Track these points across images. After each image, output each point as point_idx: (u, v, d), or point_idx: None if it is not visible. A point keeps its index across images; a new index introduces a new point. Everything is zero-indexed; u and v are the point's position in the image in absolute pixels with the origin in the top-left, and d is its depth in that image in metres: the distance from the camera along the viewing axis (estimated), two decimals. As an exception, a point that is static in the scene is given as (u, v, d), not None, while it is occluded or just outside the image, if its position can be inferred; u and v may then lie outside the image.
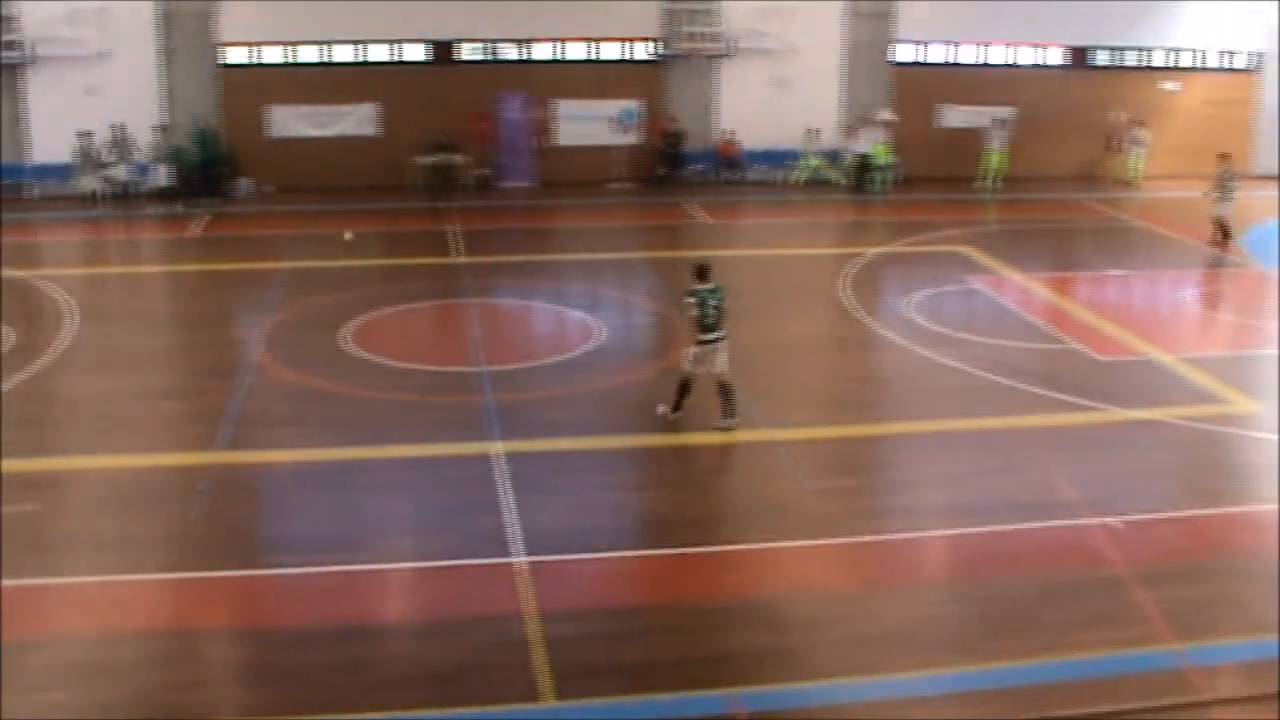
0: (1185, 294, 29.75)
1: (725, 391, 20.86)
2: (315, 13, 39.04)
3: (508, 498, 18.12)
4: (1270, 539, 17.51)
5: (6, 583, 15.44)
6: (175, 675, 13.71)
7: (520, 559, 16.34)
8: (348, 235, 21.14)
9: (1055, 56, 45.23)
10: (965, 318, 28.49)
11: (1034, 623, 15.19)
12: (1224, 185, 34.02)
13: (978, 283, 30.77)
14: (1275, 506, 18.52)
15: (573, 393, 22.66)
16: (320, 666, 13.96)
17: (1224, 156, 34.44)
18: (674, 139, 41.65)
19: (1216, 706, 12.89)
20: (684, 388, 20.98)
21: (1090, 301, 29.78)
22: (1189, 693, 13.18)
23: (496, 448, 19.81)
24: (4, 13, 37.90)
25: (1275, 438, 21.02)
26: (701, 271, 20.94)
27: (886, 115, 42.50)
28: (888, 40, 43.49)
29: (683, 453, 20.48)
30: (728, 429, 20.70)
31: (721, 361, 20.88)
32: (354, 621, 14.99)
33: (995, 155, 42.98)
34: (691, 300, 20.71)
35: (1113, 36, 44.98)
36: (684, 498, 18.73)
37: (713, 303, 20.69)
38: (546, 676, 13.69)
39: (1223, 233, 33.90)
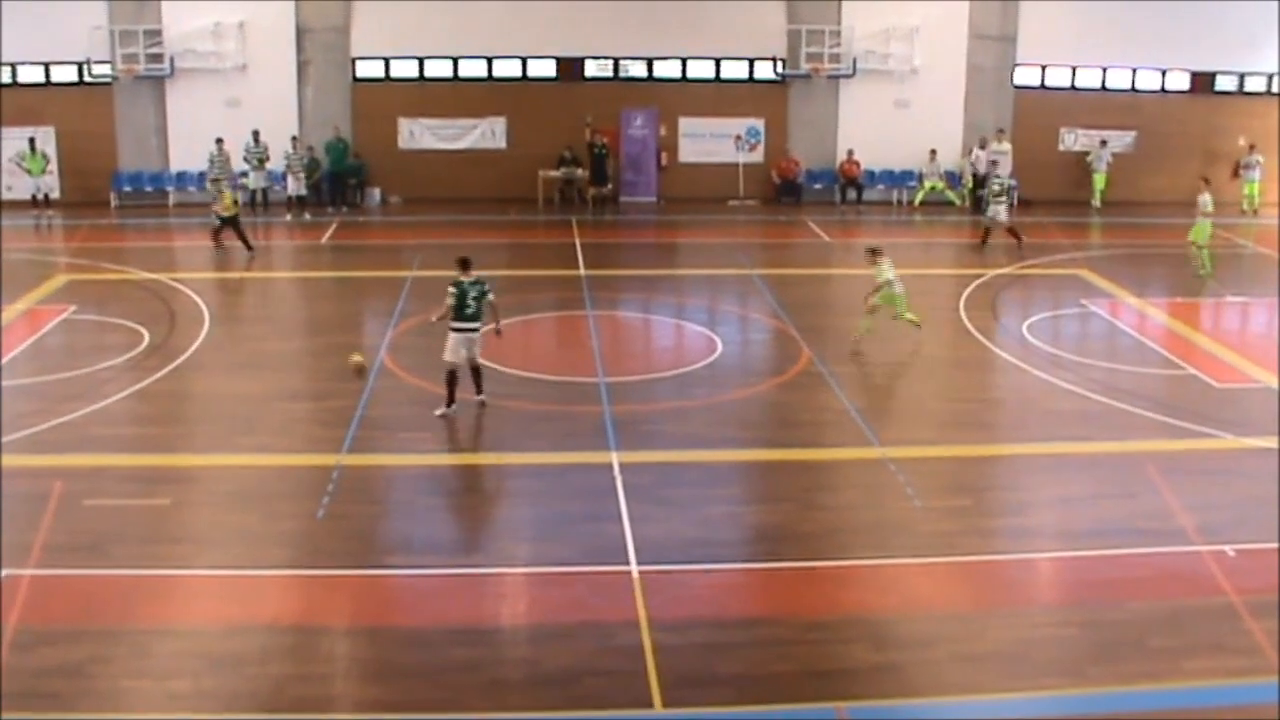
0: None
1: (476, 372, 22.05)
2: (445, 28, 39.81)
3: (623, 507, 18.47)
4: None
5: (139, 572, 16.12)
6: (296, 669, 14.15)
7: (634, 568, 16.67)
8: (356, 358, 21.14)
9: (1177, 81, 44.89)
10: (1082, 341, 28.48)
11: (1142, 648, 15.23)
12: None
13: (1095, 306, 30.71)
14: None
15: (689, 406, 22.95)
16: (436, 666, 14.32)
17: None
18: (792, 179, 41.94)
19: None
20: (450, 380, 21.83)
21: (1207, 327, 29.64)
22: (1296, 723, 13.22)
23: (614, 458, 20.18)
24: (149, 27, 39.00)
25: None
26: (464, 263, 22.00)
27: (1002, 145, 42.43)
28: (1009, 63, 43.40)
29: (796, 468, 20.66)
30: (482, 403, 22.10)
31: (474, 351, 21.86)
32: (470, 623, 15.37)
33: (1100, 175, 42.79)
34: (451, 290, 21.52)
35: (1235, 61, 44.55)
36: (796, 512, 18.88)
37: (472, 294, 21.57)
38: (656, 684, 13.96)
39: None
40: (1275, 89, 45.28)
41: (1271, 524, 18.74)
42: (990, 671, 14.62)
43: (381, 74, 40.88)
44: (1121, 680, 14.46)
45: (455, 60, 41.03)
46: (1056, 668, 14.77)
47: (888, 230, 39.71)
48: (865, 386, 24.19)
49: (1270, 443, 21.94)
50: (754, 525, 18.68)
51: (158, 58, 39.46)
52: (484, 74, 41.28)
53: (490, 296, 21.95)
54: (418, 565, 16.78)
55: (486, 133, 40.95)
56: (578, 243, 35.58)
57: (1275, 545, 17.97)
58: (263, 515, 18.08)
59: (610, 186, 41.29)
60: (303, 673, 14.09)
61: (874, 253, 26.97)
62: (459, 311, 21.56)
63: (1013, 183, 42.08)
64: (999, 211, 36.60)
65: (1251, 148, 43.72)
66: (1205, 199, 33.78)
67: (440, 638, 14.97)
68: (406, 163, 40.76)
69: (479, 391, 22.13)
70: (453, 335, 21.62)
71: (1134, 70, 44.52)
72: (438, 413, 21.81)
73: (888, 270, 26.48)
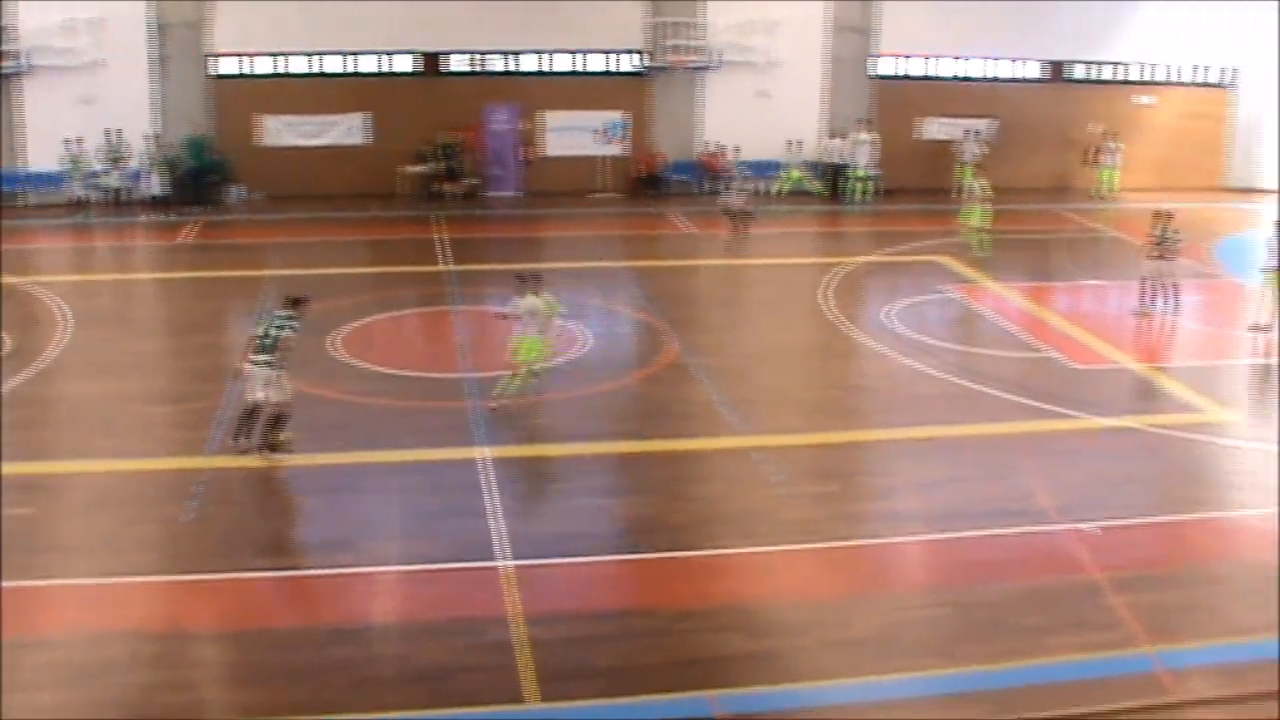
0: (1158, 304, 30.11)
1: (248, 415, 19.81)
2: (305, 24, 39.35)
3: (494, 502, 18.37)
4: (1241, 545, 17.88)
5: (4, 584, 15.68)
6: (166, 675, 13.89)
7: (505, 562, 16.58)
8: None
9: (1033, 70, 45.64)
10: (944, 326, 28.84)
11: (1009, 627, 15.45)
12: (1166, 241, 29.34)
13: (956, 292, 31.12)
14: (1247, 513, 18.92)
15: (556, 399, 22.91)
16: (307, 667, 14.15)
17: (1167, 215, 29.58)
18: (655, 173, 42.12)
19: (1187, 708, 13.15)
20: (250, 414, 19.90)
21: (1066, 311, 30.16)
22: (1160, 695, 13.43)
23: (483, 453, 20.08)
24: (1, 23, 38.14)
25: (1246, 445, 21.41)
26: (289, 301, 20.16)
27: (865, 134, 42.89)
28: (869, 54, 43.82)
29: (664, 459, 20.73)
30: (239, 450, 19.75)
31: (259, 387, 19.60)
32: (342, 623, 15.21)
33: (967, 169, 43.37)
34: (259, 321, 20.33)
35: (1089, 51, 45.43)
36: (665, 503, 18.92)
37: (273, 331, 19.62)
38: (531, 678, 13.89)
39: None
40: (1127, 77, 46.17)
41: (1131, 501, 19.12)
42: (861, 655, 14.75)
43: (241, 70, 40.33)
44: (989, 659, 14.64)
45: (315, 56, 40.61)
46: (926, 649, 14.93)
47: (751, 221, 39.85)
48: (730, 377, 24.28)
49: (1129, 422, 22.37)
50: (623, 517, 18.68)
51: (8, 54, 38.54)
52: (345, 69, 40.90)
53: (285, 334, 19.71)
54: (286, 566, 16.62)
55: (348, 129, 40.53)
56: (442, 238, 35.36)
57: (1135, 522, 18.34)
58: (126, 521, 17.75)
59: (468, 182, 41.01)
60: (171, 679, 13.84)
61: (525, 280, 22.30)
62: (259, 344, 19.66)
63: (876, 172, 42.51)
64: (733, 199, 36.91)
65: (1109, 135, 44.49)
66: (976, 184, 34.91)
67: (311, 638, 14.80)
68: (268, 159, 40.21)
69: (240, 437, 19.89)
70: (246, 365, 19.85)
71: (991, 60, 45.15)
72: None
73: (536, 307, 21.95)
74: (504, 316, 22.04)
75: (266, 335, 19.56)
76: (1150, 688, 13.73)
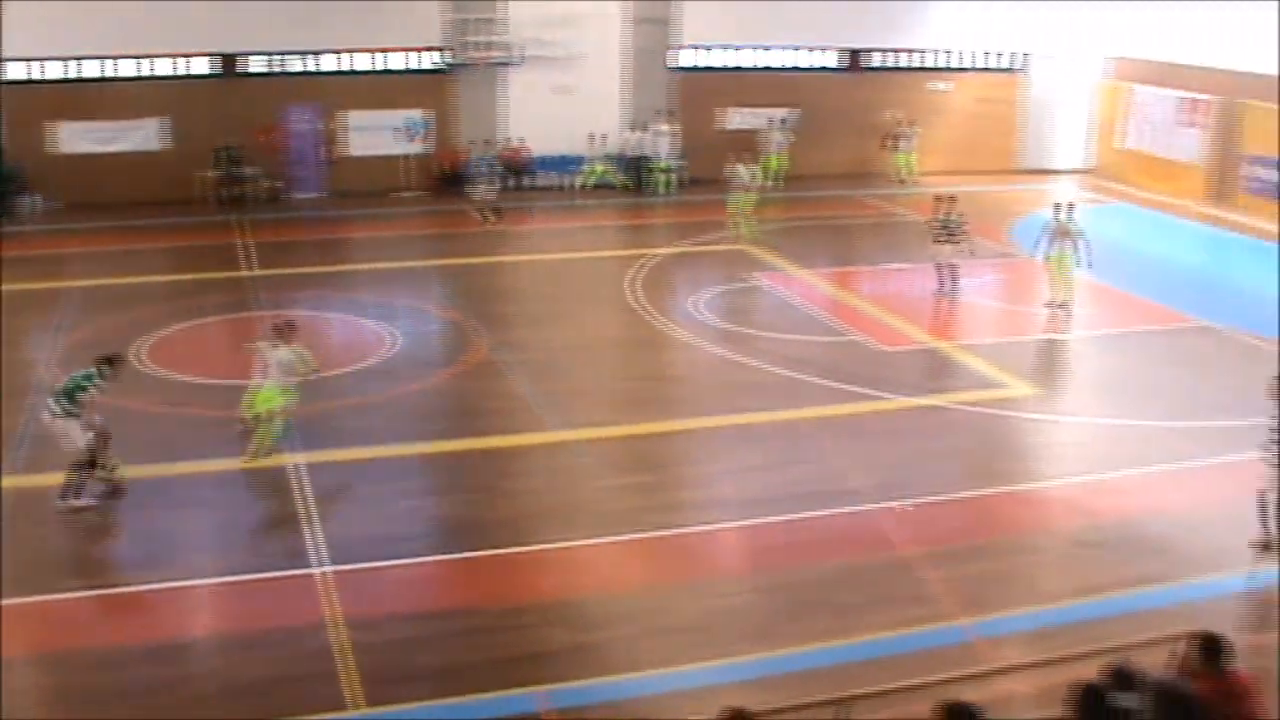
0: (960, 284, 30.78)
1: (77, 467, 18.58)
2: (97, 27, 38.29)
3: (309, 508, 18.20)
4: (1046, 514, 18.39)
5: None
6: (-19, 702, 13.51)
7: (324, 569, 16.43)
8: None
9: (832, 59, 46.30)
10: (752, 314, 29.16)
11: (828, 607, 15.73)
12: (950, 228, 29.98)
13: (762, 279, 31.46)
14: (1051, 484, 19.47)
15: (368, 402, 22.71)
16: (125, 687, 13.88)
17: (948, 200, 30.22)
18: (459, 169, 41.95)
19: (1004, 675, 13.46)
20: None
21: (871, 294, 30.67)
22: (977, 664, 13.71)
23: (296, 459, 19.83)
24: None
25: (1050, 419, 22.01)
26: (102, 360, 19.09)
27: (666, 126, 43.15)
28: (669, 45, 44.07)
29: (480, 457, 20.66)
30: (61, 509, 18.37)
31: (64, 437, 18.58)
32: (158, 640, 14.92)
33: (773, 157, 43.88)
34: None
35: (886, 39, 46.23)
36: (483, 501, 18.90)
37: (71, 385, 18.57)
38: (356, 684, 13.81)
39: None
40: (923, 64, 47.10)
41: (940, 477, 19.54)
42: (684, 643, 14.89)
43: (31, 75, 39.16)
44: (810, 639, 14.92)
45: (110, 59, 39.63)
46: (747, 633, 15.14)
47: (557, 215, 39.92)
48: (542, 371, 24.30)
49: (935, 400, 22.85)
50: (442, 517, 18.62)
51: None
52: (140, 73, 39.99)
53: (86, 395, 18.49)
54: (99, 585, 16.23)
55: (145, 134, 39.57)
56: (245, 242, 34.79)
57: (945, 497, 18.76)
58: (-73, 544, 17.19)
59: (270, 184, 40.31)
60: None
61: (280, 330, 20.93)
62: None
63: (678, 163, 42.76)
64: (478, 190, 37.15)
65: (906, 121, 45.35)
66: (740, 170, 35.43)
67: (128, 658, 14.50)
68: (62, 167, 39.01)
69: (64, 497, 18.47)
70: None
71: (791, 50, 45.66)
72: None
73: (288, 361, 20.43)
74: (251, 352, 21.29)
75: (68, 388, 18.38)
76: (966, 658, 14.04)
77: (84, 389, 18.51)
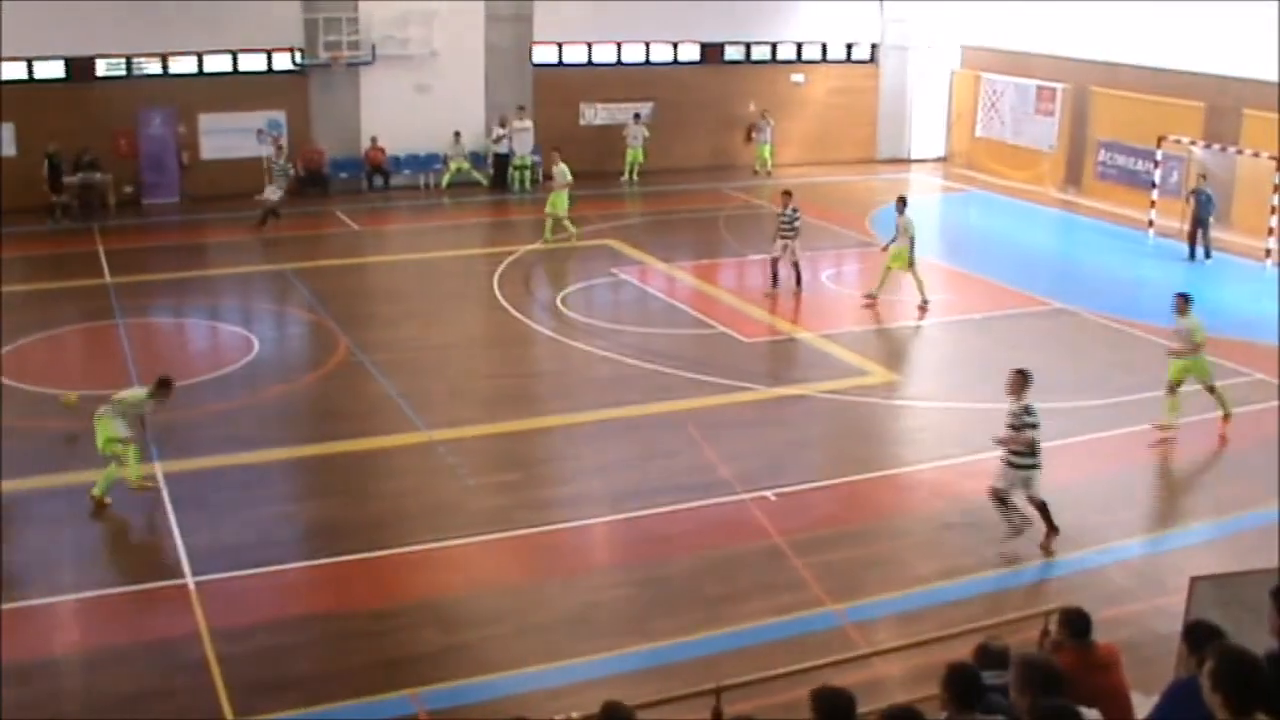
0: (820, 274, 31.01)
1: None
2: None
3: (170, 519, 17.89)
4: (913, 498, 18.61)
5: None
6: None
7: (189, 580, 16.18)
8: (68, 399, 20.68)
9: (689, 53, 46.46)
10: (615, 309, 29.21)
11: (699, 598, 15.81)
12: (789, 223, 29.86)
13: (625, 274, 31.53)
14: (917, 468, 19.72)
15: (230, 408, 22.39)
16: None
17: (786, 194, 30.33)
18: (317, 170, 41.54)
19: (877, 658, 13.59)
20: None
21: (733, 286, 30.84)
22: (850, 648, 13.86)
23: (155, 468, 19.47)
24: None
25: (912, 404, 22.28)
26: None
27: (524, 122, 43.05)
28: (527, 42, 43.99)
29: (346, 459, 20.47)
30: None
31: None
32: (20, 661, 14.47)
33: (635, 150, 43.98)
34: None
35: (742, 32, 46.49)
36: (348, 504, 18.72)
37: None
38: (225, 696, 13.62)
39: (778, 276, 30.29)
40: (780, 57, 47.44)
41: (807, 466, 19.70)
42: (557, 639, 14.89)
43: None
44: (684, 630, 14.97)
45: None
46: (620, 627, 15.18)
47: (418, 214, 39.69)
48: (406, 371, 24.14)
49: (800, 390, 23.03)
50: (309, 522, 18.43)
51: None
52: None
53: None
54: (-47, 606, 15.81)
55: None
56: (101, 250, 34.16)
57: (813, 485, 18.91)
58: None
59: (126, 187, 39.61)
60: None
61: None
62: None
63: (535, 159, 42.69)
64: (271, 194, 37.05)
65: (763, 113, 45.69)
66: (563, 168, 34.85)
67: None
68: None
69: None
70: None
71: (648, 44, 45.79)
72: None
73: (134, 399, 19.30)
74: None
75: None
76: (838, 642, 14.18)
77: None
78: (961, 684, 8.82)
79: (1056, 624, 10.81)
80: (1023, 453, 16.88)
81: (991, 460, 17.78)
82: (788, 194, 29.88)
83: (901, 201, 28.89)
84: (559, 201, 34.14)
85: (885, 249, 28.95)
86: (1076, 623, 10.47)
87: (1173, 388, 21.01)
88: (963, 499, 18.55)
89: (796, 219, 29.58)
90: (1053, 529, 17.13)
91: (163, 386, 18.91)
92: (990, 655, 9.91)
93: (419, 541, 17.46)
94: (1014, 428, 16.84)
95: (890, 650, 13.75)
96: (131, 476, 18.72)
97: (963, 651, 10.32)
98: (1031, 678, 8.80)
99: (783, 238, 29.63)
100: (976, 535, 17.43)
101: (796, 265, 29.58)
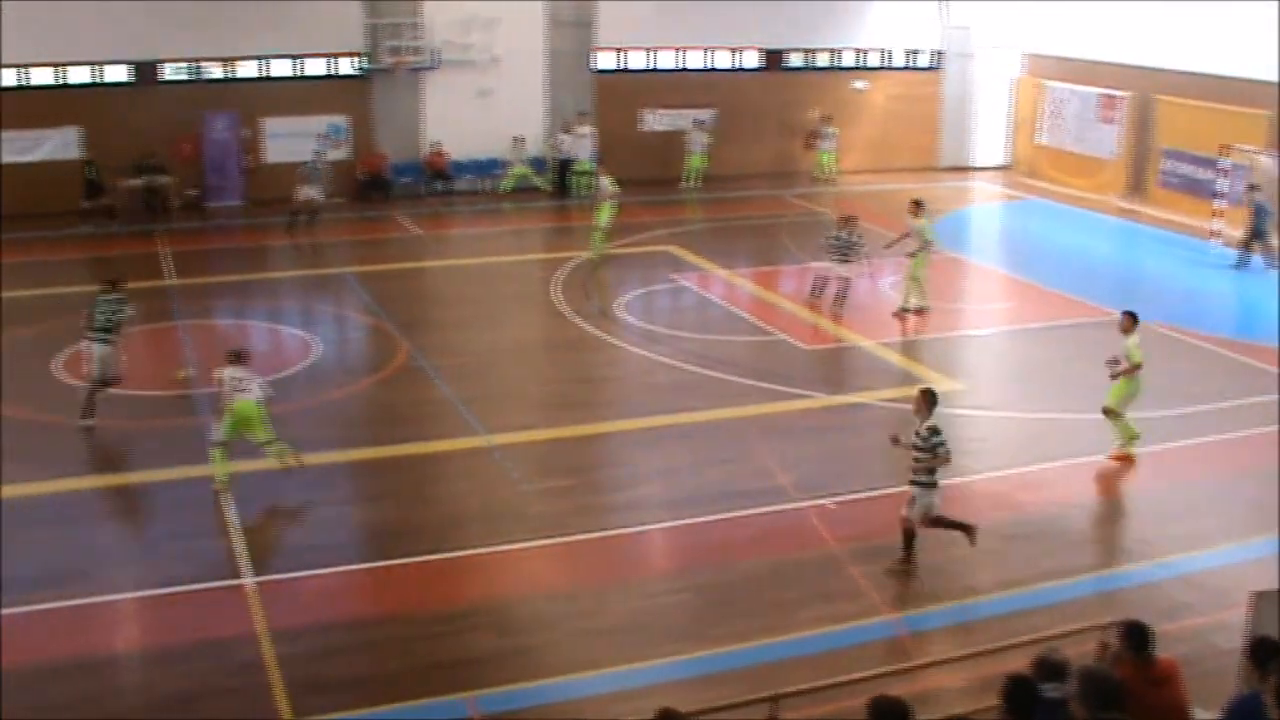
0: (882, 282, 30.90)
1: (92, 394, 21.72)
2: (10, 35, 37.76)
3: (232, 519, 18.02)
4: (971, 508, 18.45)
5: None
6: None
7: (248, 580, 16.30)
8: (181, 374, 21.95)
9: (751, 59, 46.40)
10: (674, 314, 29.19)
11: (756, 605, 15.78)
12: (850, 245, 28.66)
13: (685, 280, 31.50)
14: (976, 477, 19.56)
15: (290, 409, 22.46)
16: (49, 705, 13.70)
17: (849, 220, 29.10)
18: (379, 174, 41.68)
19: (933, 668, 13.53)
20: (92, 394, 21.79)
21: (793, 293, 30.74)
22: (905, 658, 13.81)
23: (220, 469, 19.60)
24: None
25: (972, 413, 22.13)
26: (113, 282, 22.66)
27: (585, 128, 43.10)
28: (589, 48, 44.06)
29: (403, 463, 20.55)
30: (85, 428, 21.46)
31: (99, 363, 21.76)
32: (82, 656, 14.70)
33: (696, 156, 43.93)
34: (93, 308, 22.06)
35: (804, 39, 46.40)
36: (407, 507, 18.82)
37: (113, 316, 21.91)
38: (282, 696, 13.71)
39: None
40: (842, 63, 47.32)
41: (866, 474, 19.61)
42: (613, 644, 14.88)
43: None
44: (741, 637, 14.95)
45: (23, 68, 39.10)
46: (677, 633, 15.15)
47: (478, 219, 39.79)
48: (465, 376, 24.20)
49: (859, 398, 22.94)
50: (366, 524, 18.52)
51: None
52: (55, 81, 39.48)
53: (123, 316, 22.08)
54: (19, 603, 15.80)
55: (60, 143, 39.08)
56: (163, 252, 34.42)
57: (871, 494, 18.83)
58: None
59: (189, 192, 39.86)
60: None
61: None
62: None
63: (596, 164, 42.67)
64: (300, 192, 37.29)
65: (826, 119, 45.51)
66: (605, 182, 33.52)
67: (50, 675, 14.27)
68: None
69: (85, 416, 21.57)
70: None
71: (710, 50, 45.74)
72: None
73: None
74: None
75: (108, 320, 21.63)
76: (895, 652, 14.12)
77: (121, 314, 21.91)
78: (1020, 696, 8.79)
79: (1116, 637, 10.71)
80: (928, 472, 16.48)
81: (1051, 470, 17.73)
82: (850, 219, 28.73)
83: (917, 205, 28.68)
84: (602, 214, 33.77)
85: (912, 256, 28.54)
86: (1137, 636, 10.38)
87: (1109, 412, 20.65)
88: (1020, 510, 18.46)
89: (856, 244, 28.40)
90: (966, 529, 16.93)
91: (238, 357, 19.65)
92: (1049, 667, 9.85)
93: (476, 545, 17.50)
94: (927, 450, 16.38)
95: (947, 661, 13.68)
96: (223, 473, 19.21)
97: (1021, 663, 10.26)
98: (1093, 691, 8.75)
99: (834, 261, 28.41)
100: (1035, 546, 17.34)
101: (846, 285, 28.64)
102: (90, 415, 21.45)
